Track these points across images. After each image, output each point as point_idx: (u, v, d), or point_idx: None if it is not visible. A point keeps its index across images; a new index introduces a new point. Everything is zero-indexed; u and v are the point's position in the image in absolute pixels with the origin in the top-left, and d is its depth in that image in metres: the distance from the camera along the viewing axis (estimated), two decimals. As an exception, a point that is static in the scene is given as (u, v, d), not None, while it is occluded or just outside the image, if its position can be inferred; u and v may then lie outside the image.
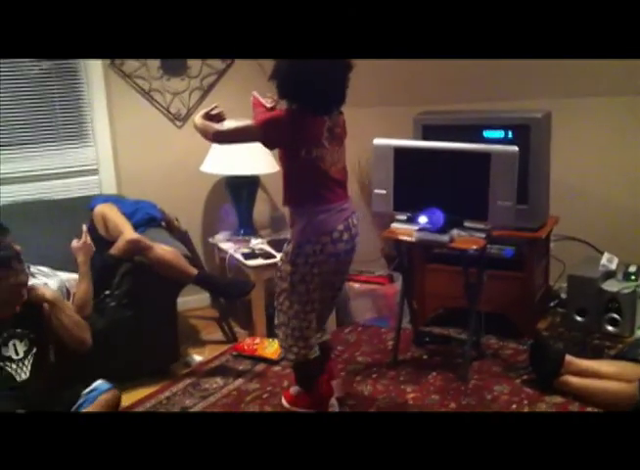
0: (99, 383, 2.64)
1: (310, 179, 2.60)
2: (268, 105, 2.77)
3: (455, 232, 3.02)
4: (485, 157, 2.93)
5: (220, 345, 3.64)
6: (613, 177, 3.75)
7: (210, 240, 4.05)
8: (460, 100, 3.87)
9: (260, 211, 4.15)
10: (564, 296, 3.74)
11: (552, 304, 3.83)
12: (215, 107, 2.75)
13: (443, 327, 3.67)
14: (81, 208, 3.57)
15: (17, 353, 2.56)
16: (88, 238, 3.10)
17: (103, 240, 3.29)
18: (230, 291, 3.39)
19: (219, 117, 2.75)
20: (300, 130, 2.55)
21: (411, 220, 3.16)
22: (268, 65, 2.59)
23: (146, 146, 3.97)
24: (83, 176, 3.86)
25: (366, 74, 3.79)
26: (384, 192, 3.19)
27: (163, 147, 3.99)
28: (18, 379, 2.55)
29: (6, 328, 2.56)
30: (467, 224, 3.06)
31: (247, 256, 3.65)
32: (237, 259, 3.70)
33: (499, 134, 3.43)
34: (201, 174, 3.90)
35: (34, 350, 2.60)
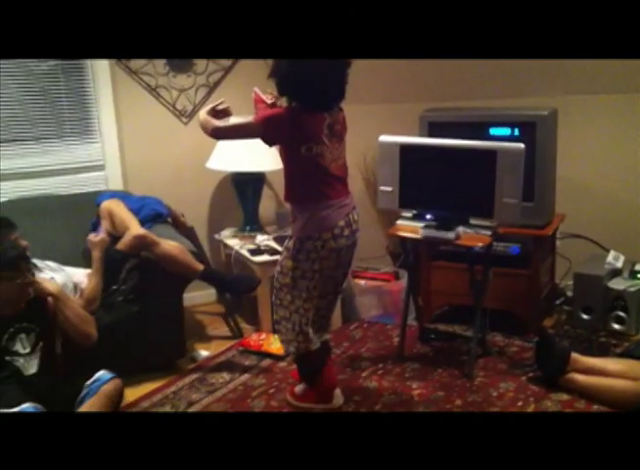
0: (101, 373, 2.64)
1: (311, 176, 2.62)
2: (269, 101, 2.78)
3: (461, 229, 3.02)
4: (491, 154, 2.93)
5: (226, 340, 3.65)
6: (619, 175, 3.74)
7: (216, 236, 4.06)
8: (466, 97, 3.87)
9: (266, 207, 4.16)
10: (570, 294, 3.74)
11: (558, 301, 3.82)
12: (222, 102, 2.76)
13: (449, 324, 3.67)
14: (88, 203, 3.58)
15: (24, 348, 2.58)
16: (103, 233, 3.13)
17: (109, 236, 3.30)
18: (237, 286, 3.39)
19: (225, 113, 2.76)
20: (300, 127, 2.56)
21: (417, 217, 3.17)
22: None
23: (152, 142, 3.98)
24: (90, 172, 3.88)
25: (372, 72, 3.82)
26: (389, 189, 3.18)
27: (170, 143, 4.00)
28: (26, 373, 2.56)
29: (12, 323, 2.57)
30: (473, 222, 3.06)
31: (252, 252, 3.66)
32: (243, 256, 3.71)
33: (505, 131, 3.43)
34: (207, 171, 3.91)
35: (41, 343, 2.61)
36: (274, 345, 3.36)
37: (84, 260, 3.43)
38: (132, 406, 2.94)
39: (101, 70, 3.77)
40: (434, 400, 2.91)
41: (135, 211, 3.43)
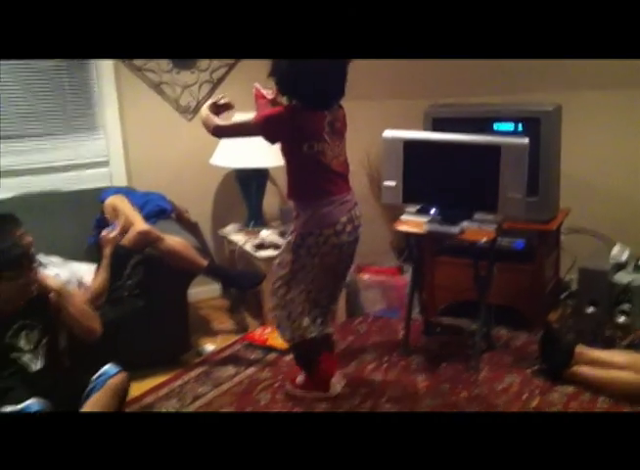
0: (107, 367, 2.65)
1: (313, 173, 2.65)
2: (269, 96, 2.79)
3: (465, 224, 3.03)
4: (496, 149, 2.93)
5: (231, 335, 3.66)
6: (624, 169, 3.74)
7: (220, 232, 4.07)
8: (470, 93, 3.87)
9: (270, 203, 4.16)
10: (574, 288, 3.74)
11: (563, 296, 3.83)
12: (222, 97, 2.77)
13: (454, 318, 3.67)
14: (92, 199, 3.58)
15: (28, 344, 2.57)
16: (117, 231, 3.14)
17: (122, 234, 3.29)
18: (242, 281, 3.41)
19: (227, 107, 2.78)
20: (301, 125, 2.59)
21: (421, 212, 3.17)
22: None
23: (156, 139, 3.98)
24: (94, 168, 3.87)
25: (376, 67, 3.81)
26: (393, 184, 3.19)
27: (173, 139, 4.01)
28: (31, 369, 2.55)
29: (15, 320, 2.56)
30: (477, 216, 3.06)
31: (256, 247, 3.67)
32: (246, 251, 3.71)
33: (509, 127, 3.43)
34: (210, 167, 3.92)
35: (44, 339, 2.61)
36: (279, 339, 3.35)
37: (89, 256, 3.44)
38: (138, 401, 2.95)
39: (105, 67, 3.77)
40: (440, 394, 2.92)
41: (139, 207, 3.43)
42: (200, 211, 4.00)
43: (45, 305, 2.66)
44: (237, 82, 4.06)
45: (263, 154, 3.75)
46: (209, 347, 3.46)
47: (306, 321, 2.79)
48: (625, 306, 3.41)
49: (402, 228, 3.20)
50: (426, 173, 3.15)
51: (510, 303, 3.49)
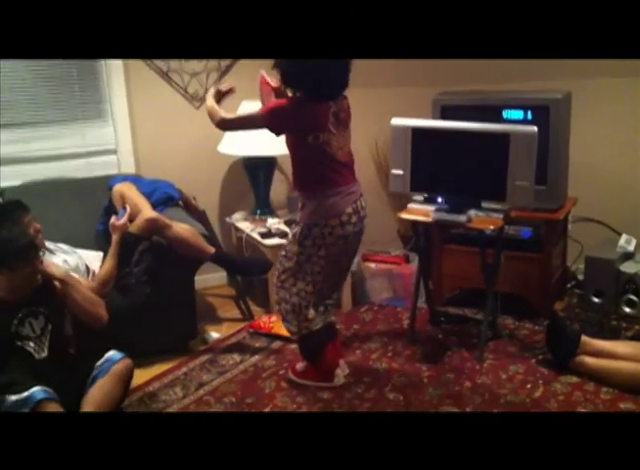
0: (111, 354, 2.67)
1: (318, 164, 2.66)
2: (274, 84, 2.79)
3: (473, 212, 3.02)
4: (504, 137, 2.92)
5: (237, 322, 3.67)
6: (632, 159, 3.71)
7: (228, 220, 4.08)
8: (479, 80, 3.84)
9: (277, 191, 4.16)
10: (581, 277, 3.73)
11: (569, 285, 3.82)
12: (225, 84, 2.79)
13: (459, 307, 3.67)
14: (100, 187, 3.60)
15: (33, 331, 2.59)
16: (125, 218, 3.16)
17: (131, 221, 3.31)
18: (248, 269, 3.42)
19: (230, 92, 2.82)
20: (307, 117, 2.61)
21: (428, 201, 3.16)
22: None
23: (164, 126, 3.98)
24: (102, 156, 3.89)
25: (384, 54, 3.79)
26: (401, 172, 3.18)
27: (181, 127, 4.01)
28: (37, 357, 2.58)
29: (21, 308, 2.58)
30: (484, 205, 3.05)
31: (263, 235, 3.68)
32: (253, 239, 3.72)
33: (518, 115, 3.41)
34: (218, 154, 3.92)
35: (50, 326, 2.63)
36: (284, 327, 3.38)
37: (97, 243, 3.46)
38: (144, 387, 2.98)
39: (113, 54, 3.77)
40: (444, 382, 2.93)
41: (147, 195, 3.44)
42: (207, 199, 4.01)
43: (50, 293, 2.68)
44: (245, 70, 4.03)
45: (271, 142, 3.70)
46: (215, 334, 3.48)
47: (312, 313, 2.80)
48: (632, 297, 3.40)
49: (410, 217, 3.20)
50: (434, 162, 3.14)
51: (517, 291, 3.48)
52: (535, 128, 2.89)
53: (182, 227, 3.25)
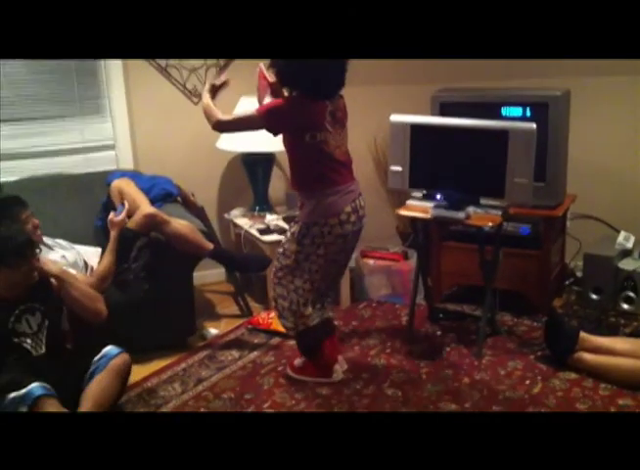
0: (108, 348, 2.67)
1: (316, 162, 2.66)
2: (271, 79, 2.79)
3: (471, 209, 3.02)
4: (503, 134, 2.92)
5: (236, 319, 3.67)
6: (631, 156, 3.72)
7: (226, 216, 4.07)
8: (478, 77, 3.83)
9: (276, 187, 4.16)
10: (579, 274, 3.74)
11: (568, 282, 3.82)
12: (220, 77, 2.80)
13: (458, 304, 3.67)
14: (98, 182, 3.59)
15: (30, 328, 2.59)
16: (124, 214, 3.15)
17: (129, 217, 3.30)
18: (248, 265, 3.42)
19: (224, 85, 2.84)
20: (303, 116, 2.62)
21: (427, 197, 3.16)
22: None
23: (162, 122, 3.98)
24: (100, 152, 3.88)
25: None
26: (399, 169, 3.18)
27: (180, 123, 4.00)
28: (35, 353, 2.58)
29: (17, 305, 2.58)
30: (483, 202, 3.05)
31: (262, 231, 3.68)
32: (252, 235, 3.72)
33: (517, 112, 3.41)
34: (217, 150, 3.92)
35: (47, 322, 2.63)
36: (283, 323, 3.38)
37: (95, 239, 3.46)
38: (142, 383, 2.97)
39: (111, 50, 3.76)
40: (443, 379, 2.93)
41: (145, 191, 3.43)
42: (206, 195, 4.00)
43: (47, 289, 2.67)
44: (244, 66, 4.02)
45: (270, 138, 3.72)
46: (214, 330, 3.47)
47: (309, 310, 2.81)
48: (630, 294, 3.40)
49: (408, 213, 3.20)
50: (432, 158, 3.14)
51: (516, 288, 3.49)
52: (534, 125, 2.89)
53: (181, 223, 3.25)
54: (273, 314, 3.48)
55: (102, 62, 3.77)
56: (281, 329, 3.32)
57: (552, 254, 3.49)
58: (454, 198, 3.05)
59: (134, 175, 3.61)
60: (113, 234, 3.14)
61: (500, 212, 3.02)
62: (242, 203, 4.11)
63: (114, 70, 3.79)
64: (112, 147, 3.90)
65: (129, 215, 3.24)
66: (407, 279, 3.66)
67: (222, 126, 2.81)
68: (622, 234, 3.58)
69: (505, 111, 3.43)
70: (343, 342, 3.26)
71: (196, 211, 3.68)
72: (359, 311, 3.69)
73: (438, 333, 3.38)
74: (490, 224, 3.00)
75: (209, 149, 3.94)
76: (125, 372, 2.69)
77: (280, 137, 3.70)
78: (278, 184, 4.20)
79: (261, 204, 4.00)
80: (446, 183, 3.12)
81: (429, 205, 3.11)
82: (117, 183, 3.42)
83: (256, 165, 3.97)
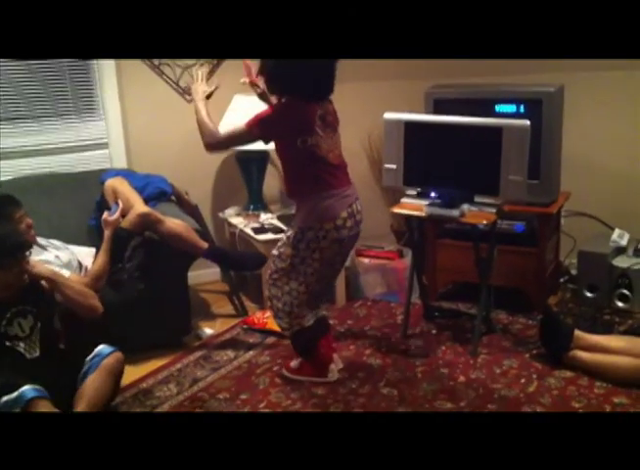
0: (101, 348, 2.66)
1: (309, 167, 2.66)
2: (260, 85, 2.85)
3: (466, 207, 3.01)
4: (497, 131, 2.92)
5: (231, 318, 3.66)
6: (625, 153, 3.72)
7: (220, 215, 4.06)
8: (472, 74, 3.82)
9: (270, 186, 4.15)
10: (574, 272, 3.74)
11: (562, 279, 3.82)
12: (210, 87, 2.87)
13: (453, 302, 3.67)
14: (92, 181, 3.58)
15: (23, 331, 2.57)
16: (118, 213, 3.14)
17: (124, 216, 3.29)
18: (244, 264, 3.41)
19: (215, 90, 2.88)
20: (293, 120, 2.63)
21: (421, 195, 3.16)
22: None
23: (156, 120, 3.96)
24: (94, 150, 3.86)
25: (377, 48, 3.77)
26: (394, 167, 3.18)
27: (173, 121, 3.98)
28: (28, 356, 2.57)
29: (9, 308, 2.56)
30: (478, 199, 3.05)
31: (256, 230, 3.67)
32: (247, 234, 3.71)
33: (511, 108, 3.40)
34: (211, 149, 3.90)
35: (39, 324, 2.61)
36: (278, 323, 3.37)
37: (89, 239, 3.44)
38: (138, 384, 2.97)
39: (104, 48, 3.74)
40: (438, 377, 2.93)
41: (139, 190, 3.42)
42: (200, 194, 3.99)
43: (37, 291, 2.66)
44: (236, 63, 4.00)
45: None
46: (209, 330, 3.47)
47: (304, 311, 2.80)
48: (624, 291, 3.41)
49: (403, 211, 3.19)
50: (427, 156, 3.13)
51: (511, 285, 3.49)
52: (528, 122, 2.89)
53: (175, 222, 3.24)
54: (268, 314, 3.47)
55: (94, 60, 3.75)
56: (276, 329, 3.32)
57: (546, 251, 3.49)
58: (449, 196, 3.05)
59: (128, 174, 3.60)
60: (106, 233, 3.13)
61: (494, 210, 3.02)
62: (236, 201, 4.10)
63: (106, 68, 3.77)
64: (105, 145, 3.88)
65: (123, 215, 3.23)
66: (402, 277, 3.66)
67: (214, 148, 2.85)
68: (617, 231, 3.58)
69: (499, 107, 3.43)
70: (339, 341, 3.26)
71: (190, 209, 3.67)
72: (354, 310, 3.69)
73: (434, 331, 3.38)
74: (485, 222, 3.00)
75: (203, 147, 3.91)
76: (118, 371, 2.68)
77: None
78: (272, 182, 4.19)
79: (256, 202, 3.99)
80: (441, 181, 3.12)
81: (423, 203, 3.10)
82: (111, 182, 3.41)
83: (251, 164, 3.96)
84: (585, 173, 3.74)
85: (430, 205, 3.07)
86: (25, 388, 2.35)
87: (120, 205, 3.23)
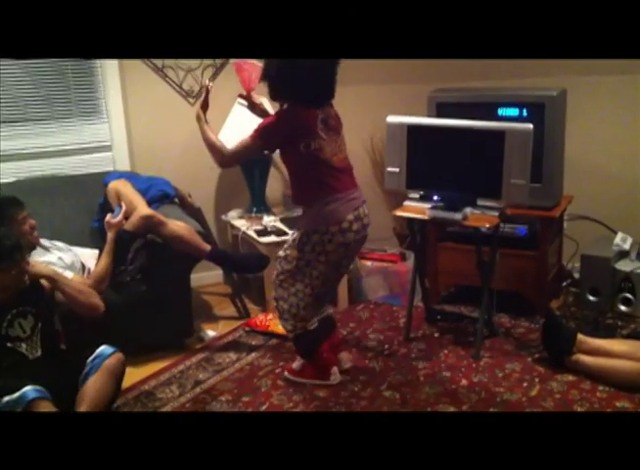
0: (102, 349, 2.66)
1: (314, 171, 2.67)
2: (257, 100, 2.91)
3: (468, 210, 3.02)
4: (500, 135, 2.92)
5: (233, 321, 3.66)
6: (628, 157, 3.71)
7: (223, 217, 4.07)
8: (474, 77, 3.84)
9: (273, 188, 4.16)
10: (577, 275, 3.74)
11: (565, 283, 3.82)
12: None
13: (455, 305, 3.67)
14: (95, 183, 3.59)
15: (24, 332, 2.58)
16: (121, 215, 3.15)
17: (127, 218, 3.29)
18: (247, 265, 3.41)
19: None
20: (295, 125, 2.64)
21: (424, 198, 3.16)
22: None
23: (159, 123, 3.97)
24: (97, 153, 3.87)
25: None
26: (396, 170, 3.18)
27: (176, 124, 3.99)
28: (31, 357, 2.57)
29: (9, 310, 2.57)
30: (480, 202, 3.05)
31: (259, 233, 3.67)
32: (249, 237, 3.71)
33: (514, 112, 3.40)
34: (214, 151, 3.90)
35: (39, 325, 2.62)
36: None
37: (92, 241, 3.45)
38: (140, 385, 2.97)
39: (107, 50, 3.75)
40: (440, 380, 2.93)
41: (142, 192, 3.43)
42: (203, 196, 4.00)
43: (37, 291, 2.66)
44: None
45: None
46: (211, 332, 3.47)
47: (310, 313, 2.80)
48: (627, 295, 3.40)
49: (405, 214, 3.20)
50: (429, 159, 3.13)
51: (513, 288, 3.48)
52: (531, 126, 2.89)
53: (178, 225, 3.24)
54: (271, 316, 3.48)
55: (98, 62, 3.76)
56: (278, 331, 3.33)
57: (549, 255, 3.49)
58: (451, 199, 3.05)
59: (131, 176, 3.61)
60: (109, 236, 3.14)
61: (497, 213, 3.02)
62: (239, 204, 4.11)
63: (110, 70, 3.78)
64: (108, 148, 3.89)
65: (126, 217, 3.23)
66: (405, 280, 3.66)
67: (226, 165, 2.96)
68: (619, 235, 3.58)
69: (502, 111, 3.43)
70: (341, 343, 3.25)
71: (192, 211, 3.68)
72: (357, 313, 3.69)
73: (436, 335, 3.38)
74: (487, 225, 3.00)
75: (206, 150, 3.91)
76: (120, 371, 2.68)
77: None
78: (275, 185, 4.20)
79: (259, 205, 4.00)
80: (443, 184, 3.11)
81: (426, 206, 3.11)
82: (115, 184, 3.42)
83: (253, 166, 3.96)
84: (588, 177, 3.74)
85: (432, 208, 3.07)
86: (27, 388, 2.36)
87: (123, 207, 3.23)
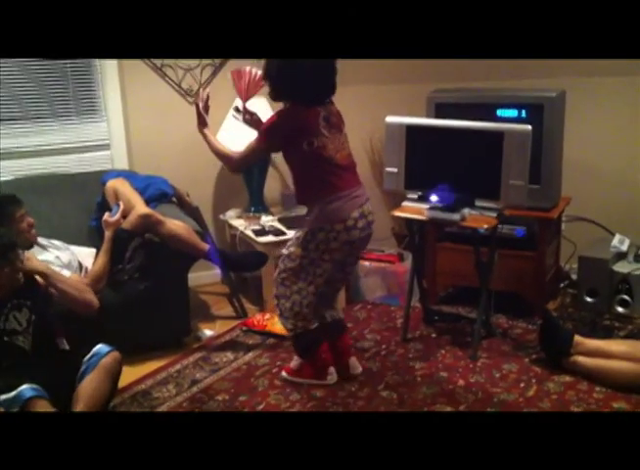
0: (99, 347, 2.65)
1: (317, 168, 2.67)
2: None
3: (466, 211, 3.02)
4: (498, 135, 2.92)
5: (231, 320, 3.66)
6: (626, 158, 3.72)
7: (221, 217, 4.06)
8: (473, 78, 3.84)
9: (271, 188, 4.15)
10: (574, 277, 3.74)
11: (562, 284, 3.82)
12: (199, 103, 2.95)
13: (453, 306, 3.67)
14: (93, 182, 3.58)
15: (20, 324, 2.58)
16: (119, 214, 3.14)
17: (125, 217, 3.29)
18: (244, 264, 3.41)
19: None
20: (297, 123, 2.65)
21: (422, 199, 3.16)
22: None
23: (157, 122, 3.96)
24: (95, 151, 3.86)
25: (379, 51, 3.78)
26: (395, 170, 3.18)
27: (175, 122, 3.98)
28: (27, 349, 2.57)
29: (5, 304, 2.57)
30: (478, 203, 3.05)
31: (257, 232, 3.67)
32: (247, 236, 3.71)
33: (512, 113, 3.41)
34: (212, 151, 3.90)
35: (33, 317, 2.61)
36: (278, 325, 3.35)
37: (90, 240, 3.45)
38: (136, 385, 2.96)
39: (106, 49, 3.75)
40: (438, 381, 2.93)
41: (140, 191, 3.42)
42: (201, 196, 4.00)
43: (32, 285, 2.66)
44: (238, 66, 4.02)
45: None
46: (208, 331, 3.47)
47: (310, 313, 2.79)
48: (624, 297, 3.41)
49: (404, 215, 3.20)
50: (428, 160, 3.14)
51: (511, 289, 3.49)
52: (529, 127, 2.89)
53: (176, 224, 3.24)
54: (268, 316, 3.48)
55: (97, 61, 3.76)
56: (276, 330, 3.33)
57: (547, 256, 3.49)
58: (450, 199, 3.05)
59: (129, 175, 3.60)
60: (107, 234, 3.14)
61: (495, 214, 3.02)
62: (237, 203, 4.10)
63: (109, 69, 3.78)
64: (107, 146, 3.89)
65: (124, 216, 3.23)
66: (402, 281, 3.66)
67: (236, 170, 3.07)
68: (617, 237, 3.58)
69: (500, 112, 3.43)
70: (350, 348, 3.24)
71: (190, 211, 3.67)
72: (354, 313, 3.68)
73: (433, 335, 3.38)
74: (486, 226, 3.00)
75: (205, 149, 3.85)
76: (116, 370, 2.68)
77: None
78: (273, 185, 4.20)
79: (257, 205, 3.99)
80: (442, 185, 3.11)
81: (424, 206, 3.11)
82: (113, 183, 3.41)
83: (252, 166, 3.95)
84: (586, 178, 3.74)
85: (431, 208, 3.07)
86: (24, 387, 2.35)
87: (121, 206, 3.23)
